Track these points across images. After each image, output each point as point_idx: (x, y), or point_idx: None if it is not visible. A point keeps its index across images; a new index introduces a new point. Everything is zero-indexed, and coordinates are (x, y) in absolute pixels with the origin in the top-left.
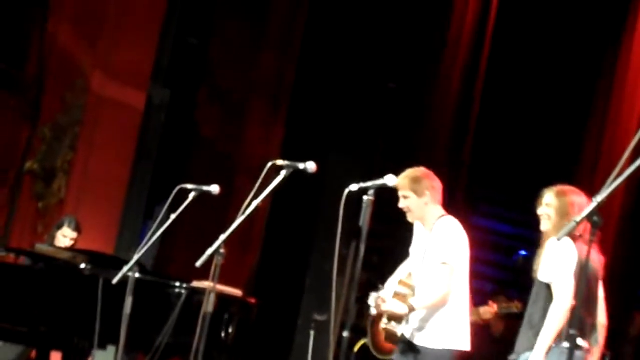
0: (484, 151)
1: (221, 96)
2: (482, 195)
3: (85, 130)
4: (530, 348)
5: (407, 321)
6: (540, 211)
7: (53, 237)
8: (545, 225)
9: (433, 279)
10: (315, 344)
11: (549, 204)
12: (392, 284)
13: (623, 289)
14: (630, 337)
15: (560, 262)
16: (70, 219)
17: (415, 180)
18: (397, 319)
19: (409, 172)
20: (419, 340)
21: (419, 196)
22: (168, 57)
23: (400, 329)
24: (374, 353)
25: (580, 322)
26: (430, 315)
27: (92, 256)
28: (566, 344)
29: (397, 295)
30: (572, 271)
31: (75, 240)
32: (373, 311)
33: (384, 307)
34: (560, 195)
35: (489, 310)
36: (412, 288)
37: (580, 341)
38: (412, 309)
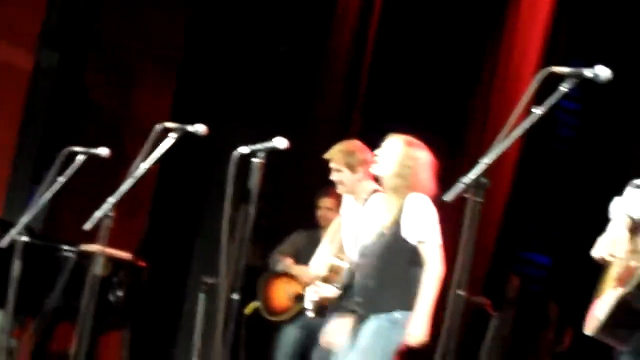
0: (374, 114)
1: (111, 59)
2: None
3: None
4: (397, 307)
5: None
6: (378, 152)
7: None
8: (382, 170)
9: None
10: (205, 307)
11: (392, 150)
12: (320, 261)
13: (501, 252)
14: (508, 299)
15: (431, 222)
16: None
17: (349, 154)
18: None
19: (342, 146)
20: None
21: (353, 171)
22: (56, 18)
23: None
24: (266, 315)
25: None
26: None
27: None
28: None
29: (333, 268)
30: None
31: None
32: (310, 314)
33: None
34: (408, 144)
35: None
36: (348, 261)
37: None
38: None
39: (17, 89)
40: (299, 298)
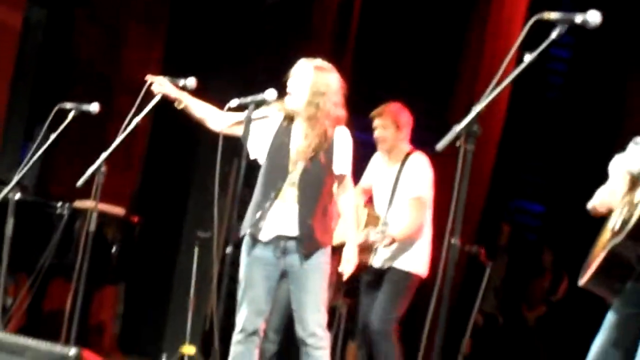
0: (364, 68)
1: (99, 15)
2: (362, 110)
3: None
4: None
5: (376, 252)
6: (289, 82)
7: None
8: (294, 101)
9: (407, 211)
10: (199, 261)
11: (303, 78)
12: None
13: (493, 200)
14: (499, 248)
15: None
16: None
17: (397, 114)
18: (369, 248)
19: (391, 105)
20: (386, 263)
21: (398, 130)
22: None
23: (370, 259)
24: None
25: None
26: (399, 242)
27: None
28: None
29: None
30: None
31: None
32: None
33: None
34: (318, 70)
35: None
36: (378, 217)
37: None
38: (393, 240)
39: (6, 47)
40: None
